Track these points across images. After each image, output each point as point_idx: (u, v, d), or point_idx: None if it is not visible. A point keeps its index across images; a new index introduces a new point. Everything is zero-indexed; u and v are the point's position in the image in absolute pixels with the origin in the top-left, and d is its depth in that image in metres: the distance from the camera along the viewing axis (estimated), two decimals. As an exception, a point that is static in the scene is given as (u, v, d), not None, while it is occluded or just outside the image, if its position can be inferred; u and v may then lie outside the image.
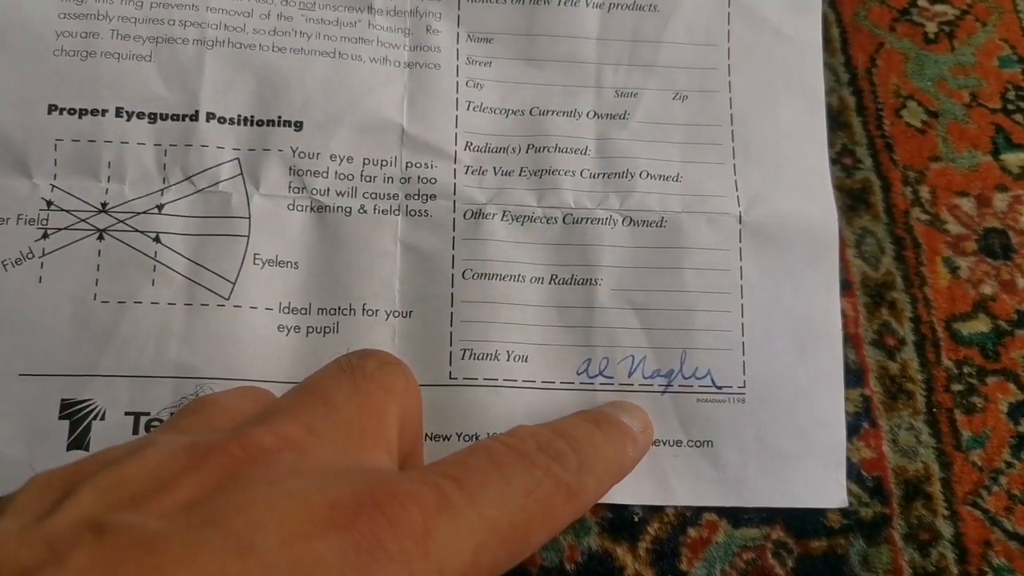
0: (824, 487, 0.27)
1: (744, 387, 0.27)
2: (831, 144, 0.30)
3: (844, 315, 0.28)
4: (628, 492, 0.26)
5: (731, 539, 0.26)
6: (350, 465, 0.17)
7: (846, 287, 0.29)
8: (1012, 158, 0.30)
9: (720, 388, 0.27)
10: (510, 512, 0.18)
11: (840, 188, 0.30)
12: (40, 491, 0.16)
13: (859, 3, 0.32)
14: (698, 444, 0.27)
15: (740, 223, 0.28)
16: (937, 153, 0.30)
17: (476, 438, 0.26)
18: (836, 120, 0.31)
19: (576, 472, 0.20)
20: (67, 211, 0.26)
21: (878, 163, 0.30)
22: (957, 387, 0.28)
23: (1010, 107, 0.31)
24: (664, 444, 0.27)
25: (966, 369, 0.28)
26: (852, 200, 0.30)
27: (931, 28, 0.32)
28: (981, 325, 0.29)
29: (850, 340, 0.28)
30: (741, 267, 0.28)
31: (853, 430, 0.27)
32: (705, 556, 0.26)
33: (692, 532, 0.26)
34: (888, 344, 0.29)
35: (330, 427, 0.18)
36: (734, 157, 0.29)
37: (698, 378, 0.27)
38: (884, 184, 0.30)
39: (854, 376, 0.28)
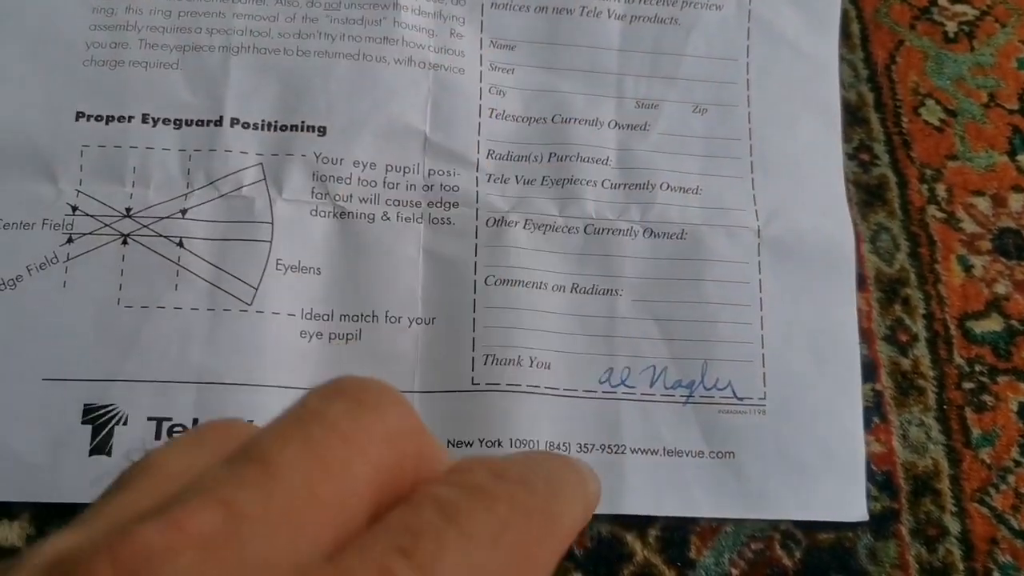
0: (844, 500, 0.27)
1: (765, 399, 0.27)
2: (848, 139, 0.30)
3: (858, 310, 0.28)
4: (651, 503, 0.26)
5: (740, 529, 0.26)
6: (275, 561, 0.13)
7: (860, 282, 0.29)
8: (1028, 159, 0.31)
9: (741, 399, 0.27)
10: (481, 573, 0.14)
11: (856, 184, 0.30)
12: None
13: (880, 0, 0.32)
14: (720, 456, 0.27)
15: (759, 237, 0.28)
16: (954, 152, 0.31)
17: (499, 444, 0.26)
18: (854, 116, 0.31)
19: (545, 494, 0.16)
20: (92, 216, 0.26)
21: (895, 160, 0.31)
22: (968, 385, 0.28)
23: (1028, 108, 0.31)
24: (687, 455, 0.27)
25: (978, 367, 0.28)
26: (868, 196, 0.30)
27: (951, 27, 0.32)
28: (994, 324, 0.29)
29: (863, 335, 0.28)
30: (760, 280, 0.28)
31: (864, 425, 0.27)
32: (714, 545, 0.26)
33: (702, 521, 0.26)
34: (901, 340, 0.29)
35: (261, 503, 0.13)
36: (752, 171, 0.29)
37: (719, 389, 0.27)
38: (900, 181, 0.30)
39: (866, 371, 0.28)
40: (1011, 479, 0.27)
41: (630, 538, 0.26)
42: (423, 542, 0.14)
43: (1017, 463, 0.27)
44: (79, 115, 0.27)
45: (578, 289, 0.28)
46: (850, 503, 0.27)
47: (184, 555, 0.12)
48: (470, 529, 0.14)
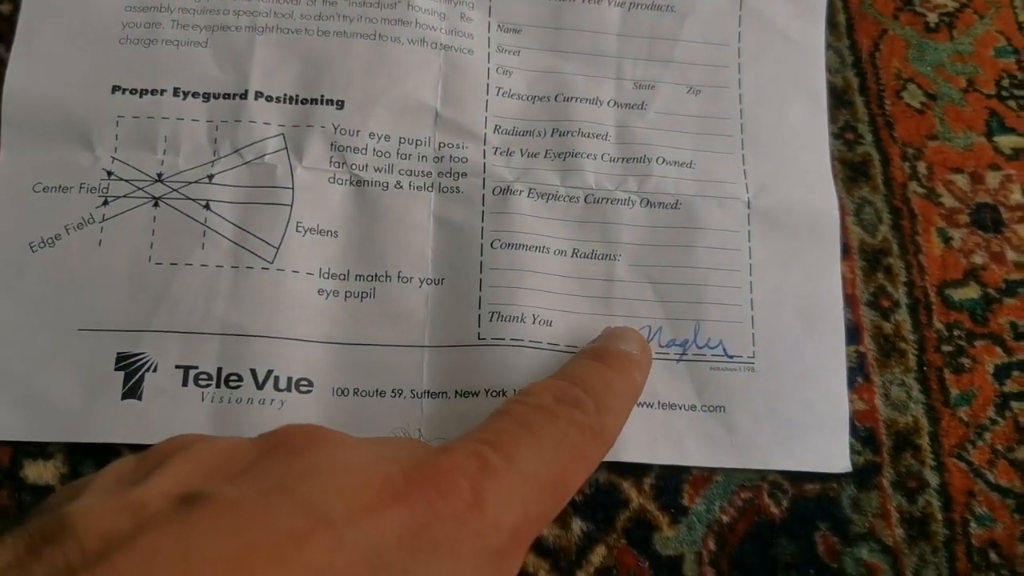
0: (829, 453, 0.28)
1: (754, 357, 0.29)
2: (834, 120, 0.32)
3: (843, 277, 0.30)
4: (647, 452, 0.28)
5: (730, 478, 0.28)
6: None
7: (845, 252, 0.30)
8: (1004, 140, 0.32)
9: (732, 357, 0.29)
10: (546, 464, 0.20)
11: (842, 161, 0.32)
12: (118, 474, 0.17)
13: (865, -10, 0.34)
14: (712, 409, 0.28)
15: (749, 208, 0.30)
16: (934, 132, 0.32)
17: (503, 394, 0.27)
18: (840, 99, 0.32)
19: (595, 413, 0.22)
20: (126, 180, 0.28)
21: (879, 139, 0.32)
22: (947, 348, 0.30)
23: (1004, 94, 0.33)
24: (680, 408, 0.28)
25: (956, 332, 0.30)
26: (853, 172, 0.32)
27: (932, 18, 0.34)
28: (971, 292, 0.30)
29: (847, 300, 0.30)
30: (750, 248, 0.30)
31: (848, 384, 0.29)
32: (705, 493, 0.28)
33: (694, 470, 0.28)
34: (883, 306, 0.30)
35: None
36: (743, 148, 0.31)
37: (711, 347, 0.29)
38: (884, 158, 0.32)
39: (850, 334, 0.29)
40: (987, 436, 0.29)
41: (626, 485, 0.28)
42: (504, 439, 0.20)
43: (993, 421, 0.29)
44: (115, 88, 0.29)
45: (578, 254, 0.29)
46: (834, 455, 0.28)
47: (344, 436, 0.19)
48: (539, 433, 0.20)
